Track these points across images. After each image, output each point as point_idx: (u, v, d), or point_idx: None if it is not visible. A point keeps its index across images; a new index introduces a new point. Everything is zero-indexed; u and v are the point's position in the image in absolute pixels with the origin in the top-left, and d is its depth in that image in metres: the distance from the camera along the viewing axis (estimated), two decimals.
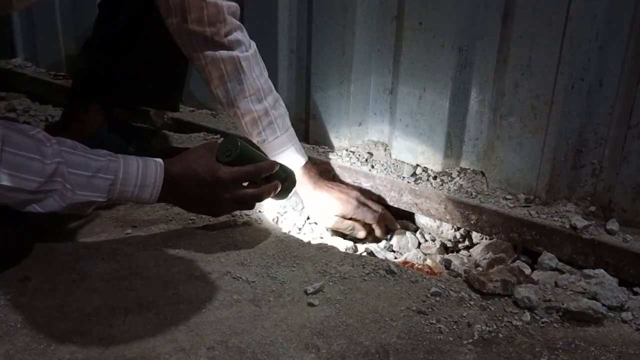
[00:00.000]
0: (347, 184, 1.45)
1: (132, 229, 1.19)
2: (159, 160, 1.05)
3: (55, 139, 0.95)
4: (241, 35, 1.28)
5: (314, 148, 1.59)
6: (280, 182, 1.16)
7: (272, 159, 1.24)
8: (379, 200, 1.42)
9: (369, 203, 1.39)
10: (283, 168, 1.19)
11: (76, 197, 0.96)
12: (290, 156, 1.33)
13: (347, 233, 1.39)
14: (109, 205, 1.03)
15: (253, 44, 1.32)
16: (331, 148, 1.59)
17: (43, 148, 0.92)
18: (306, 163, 1.36)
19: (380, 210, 1.39)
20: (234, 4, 1.26)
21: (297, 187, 1.33)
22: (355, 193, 1.38)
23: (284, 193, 1.20)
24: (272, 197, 1.17)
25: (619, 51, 1.12)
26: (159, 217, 1.24)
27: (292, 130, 1.35)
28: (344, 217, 1.37)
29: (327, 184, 1.39)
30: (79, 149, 0.98)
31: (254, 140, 1.32)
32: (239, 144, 1.09)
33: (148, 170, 1.02)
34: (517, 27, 1.22)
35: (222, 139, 1.37)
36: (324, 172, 1.45)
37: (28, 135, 0.93)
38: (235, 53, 1.26)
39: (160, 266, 1.06)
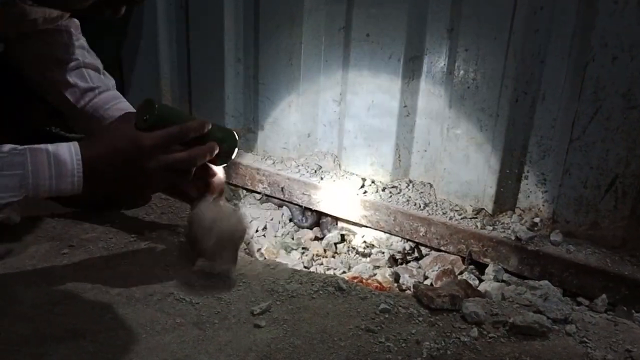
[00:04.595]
0: None
1: (69, 249, 1.13)
2: (73, 143, 0.92)
3: None
4: None
5: (262, 159, 1.56)
6: (218, 143, 1.02)
7: (108, 108, 1.11)
8: None
9: None
10: (219, 127, 1.05)
11: None
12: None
13: None
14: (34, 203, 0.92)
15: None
16: (280, 159, 1.56)
17: None
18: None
19: None
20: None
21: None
22: None
23: (224, 157, 1.06)
24: (215, 163, 1.06)
25: (561, 65, 1.14)
26: (98, 235, 1.18)
27: None
28: None
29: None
30: None
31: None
32: (156, 104, 0.96)
33: (61, 158, 0.90)
34: (462, 40, 1.22)
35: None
36: (272, 184, 1.41)
37: None
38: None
39: (98, 289, 1.01)
